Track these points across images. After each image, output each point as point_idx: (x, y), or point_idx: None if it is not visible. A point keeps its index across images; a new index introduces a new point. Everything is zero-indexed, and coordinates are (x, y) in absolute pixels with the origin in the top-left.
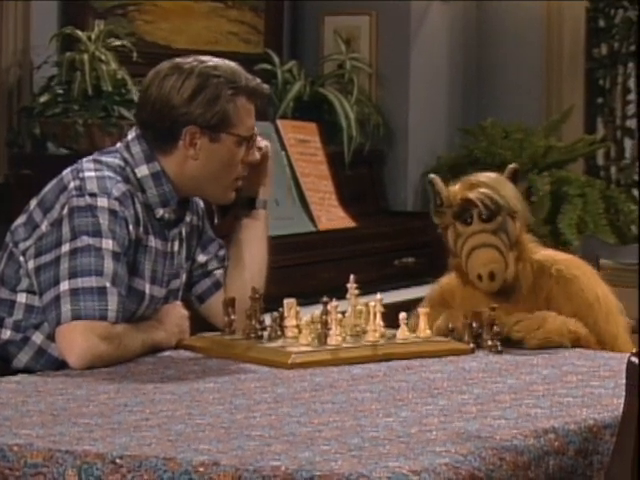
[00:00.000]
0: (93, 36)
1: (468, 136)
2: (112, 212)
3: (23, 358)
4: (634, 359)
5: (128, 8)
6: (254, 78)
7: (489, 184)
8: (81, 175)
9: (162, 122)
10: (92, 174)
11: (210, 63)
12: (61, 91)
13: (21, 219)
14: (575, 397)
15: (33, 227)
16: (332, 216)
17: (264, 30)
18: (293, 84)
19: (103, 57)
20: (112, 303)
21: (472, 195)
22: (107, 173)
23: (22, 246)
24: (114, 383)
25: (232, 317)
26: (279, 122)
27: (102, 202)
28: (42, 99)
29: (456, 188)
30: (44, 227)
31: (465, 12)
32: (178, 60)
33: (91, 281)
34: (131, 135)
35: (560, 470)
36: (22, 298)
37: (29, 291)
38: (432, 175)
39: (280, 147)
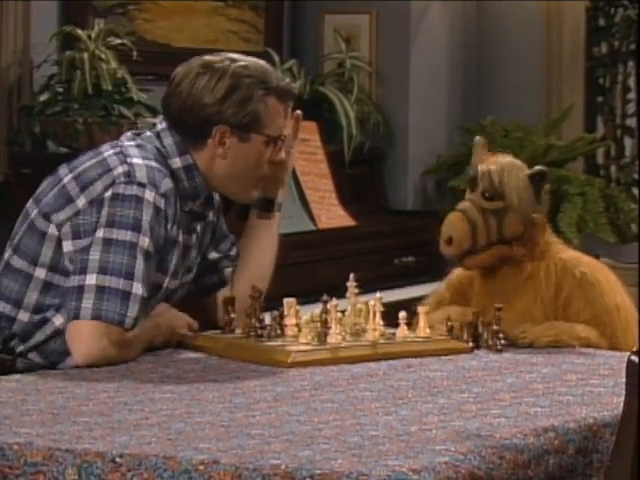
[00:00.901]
0: (93, 35)
1: (468, 135)
2: (157, 209)
3: (40, 337)
4: (634, 358)
5: (128, 7)
6: (283, 77)
7: (501, 167)
8: (129, 160)
9: (192, 119)
10: (140, 161)
11: (242, 63)
12: (61, 90)
13: (49, 190)
14: (575, 396)
15: (66, 200)
16: (332, 215)
17: (264, 29)
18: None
19: (103, 56)
20: (132, 310)
21: (481, 167)
22: (154, 164)
23: (54, 219)
24: (114, 382)
25: (232, 316)
26: None
27: (150, 196)
28: (42, 98)
29: (486, 157)
30: (80, 203)
31: (465, 11)
32: (209, 58)
33: (119, 283)
34: (161, 125)
35: (560, 469)
36: (41, 274)
37: (50, 268)
38: (478, 137)
39: None
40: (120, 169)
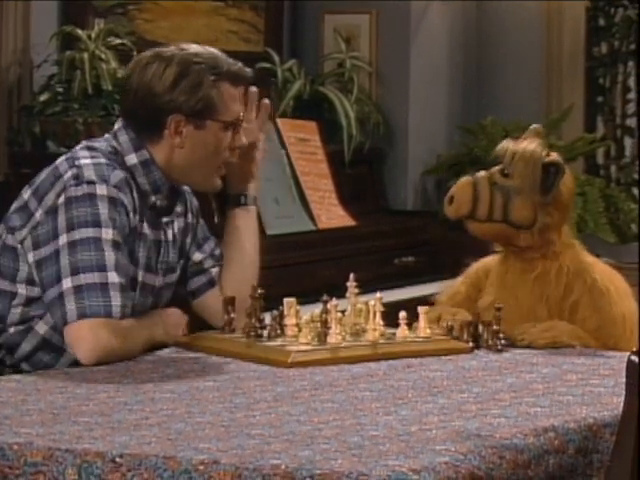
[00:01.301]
0: (93, 35)
1: (468, 135)
2: (111, 200)
3: (26, 347)
4: (634, 358)
5: (128, 7)
6: (236, 62)
7: (519, 149)
8: (77, 163)
9: (146, 110)
10: (88, 161)
11: (191, 50)
12: (61, 90)
13: (14, 208)
14: (575, 396)
15: (28, 215)
16: (332, 215)
17: (264, 29)
18: (293, 83)
19: (103, 56)
20: (116, 299)
21: (504, 144)
22: (103, 160)
23: (18, 235)
24: (114, 382)
25: (232, 315)
26: (279, 121)
27: (101, 190)
28: (42, 98)
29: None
30: (38, 215)
31: (465, 11)
32: (158, 49)
33: (94, 277)
34: (117, 125)
35: (560, 469)
36: (22, 290)
37: (28, 282)
38: (536, 125)
39: (280, 146)
40: (69, 173)
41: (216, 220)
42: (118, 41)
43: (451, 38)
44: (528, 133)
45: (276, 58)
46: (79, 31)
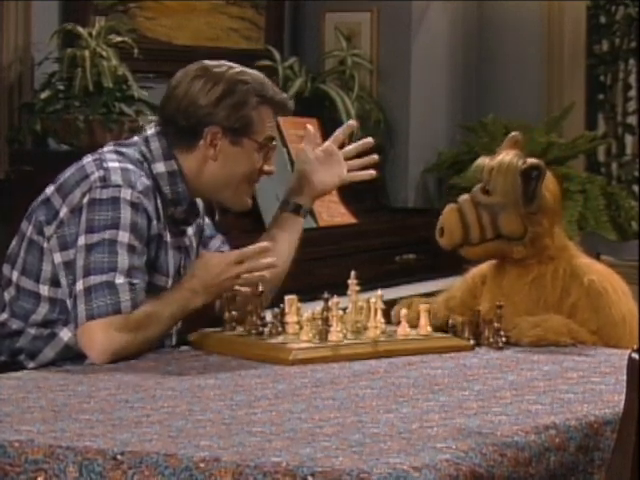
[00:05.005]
0: (94, 32)
1: (469, 132)
2: (134, 205)
3: (49, 354)
4: (635, 355)
5: (129, 5)
6: (280, 92)
7: (496, 163)
8: (105, 165)
9: (186, 120)
10: (116, 165)
11: (239, 70)
12: (62, 87)
13: (38, 203)
14: (576, 393)
15: (52, 212)
16: (333, 212)
17: (265, 26)
18: (294, 80)
19: (104, 53)
20: (123, 294)
21: (480, 162)
22: (130, 166)
23: (44, 232)
24: (115, 379)
25: (233, 313)
26: (280, 118)
27: (125, 194)
28: (43, 95)
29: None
30: (62, 213)
31: (466, 9)
32: (208, 63)
33: (102, 278)
34: (151, 131)
35: (561, 466)
36: (45, 291)
37: (51, 283)
38: (514, 133)
39: (281, 144)
40: (96, 174)
41: (217, 218)
42: (119, 39)
43: (452, 36)
44: (505, 143)
45: (277, 56)
46: (80, 29)
